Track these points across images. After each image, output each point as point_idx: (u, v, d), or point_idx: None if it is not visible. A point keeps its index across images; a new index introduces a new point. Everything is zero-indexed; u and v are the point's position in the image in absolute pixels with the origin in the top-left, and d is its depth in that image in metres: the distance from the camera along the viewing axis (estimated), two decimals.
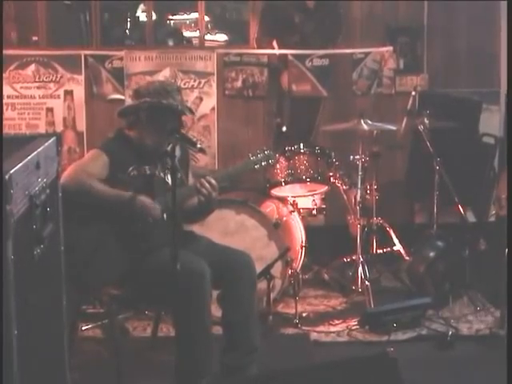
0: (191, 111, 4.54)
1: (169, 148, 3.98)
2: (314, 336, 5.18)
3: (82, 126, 6.91)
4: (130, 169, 4.21)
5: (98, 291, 4.37)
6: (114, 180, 4.16)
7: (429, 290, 5.62)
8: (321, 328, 5.30)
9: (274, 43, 6.95)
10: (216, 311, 4.36)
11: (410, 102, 6.40)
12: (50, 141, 3.11)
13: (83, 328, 5.10)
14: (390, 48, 7.02)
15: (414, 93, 6.47)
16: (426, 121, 5.84)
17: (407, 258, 6.03)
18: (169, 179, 4.10)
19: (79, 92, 6.88)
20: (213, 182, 4.21)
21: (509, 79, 5.32)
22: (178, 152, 4.06)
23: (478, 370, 4.67)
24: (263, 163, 4.44)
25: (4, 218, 2.42)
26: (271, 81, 7.00)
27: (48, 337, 3.06)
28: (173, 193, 3.78)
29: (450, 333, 5.07)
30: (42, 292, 2.94)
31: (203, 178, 4.24)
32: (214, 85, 6.97)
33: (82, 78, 6.89)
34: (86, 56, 6.87)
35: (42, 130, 6.79)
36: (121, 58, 6.90)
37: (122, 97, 6.86)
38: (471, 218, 6.68)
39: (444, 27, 7.07)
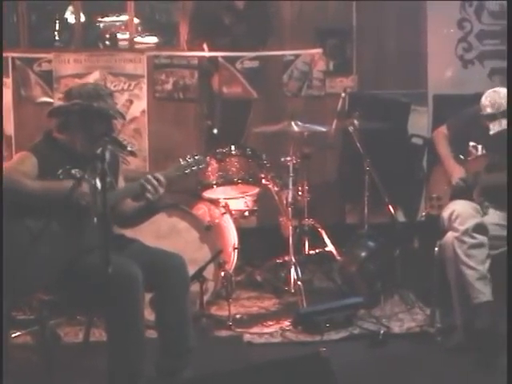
0: (122, 116, 4.50)
1: (99, 151, 3.94)
2: (247, 337, 5.18)
3: (10, 129, 6.80)
4: (59, 172, 4.15)
5: (27, 297, 4.30)
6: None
7: (360, 290, 5.67)
8: (254, 329, 5.31)
9: (205, 45, 6.94)
10: (149, 315, 4.33)
11: (340, 103, 6.44)
12: None
13: (13, 335, 5.00)
14: (320, 50, 7.07)
15: (343, 94, 6.51)
16: (356, 122, 5.90)
17: (339, 258, 6.06)
18: (98, 183, 4.05)
19: (7, 95, 6.77)
20: (161, 178, 4.18)
21: (509, 79, 5.39)
22: (107, 155, 4.02)
23: (409, 368, 4.73)
24: (194, 168, 4.42)
25: None
26: (202, 83, 6.99)
27: None
28: (103, 196, 3.74)
29: (382, 331, 5.13)
30: None
31: (149, 174, 4.20)
32: (145, 87, 6.94)
33: (9, 80, 6.79)
34: (13, 58, 6.77)
35: None
36: (49, 61, 6.83)
37: (51, 100, 6.78)
38: (401, 217, 6.78)
39: (373, 28, 7.13)
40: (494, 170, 5.12)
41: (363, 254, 5.82)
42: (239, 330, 5.29)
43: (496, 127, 5.04)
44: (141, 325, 4.07)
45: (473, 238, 4.79)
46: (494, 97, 5.10)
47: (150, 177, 4.18)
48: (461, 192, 5.18)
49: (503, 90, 5.13)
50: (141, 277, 4.02)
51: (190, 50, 6.97)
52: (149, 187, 4.15)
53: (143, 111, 6.93)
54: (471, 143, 5.29)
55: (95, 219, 4.07)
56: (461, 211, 4.92)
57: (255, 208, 6.11)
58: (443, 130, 5.56)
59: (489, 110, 5.09)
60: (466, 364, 4.67)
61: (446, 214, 5.01)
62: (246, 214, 6.07)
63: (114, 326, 4.03)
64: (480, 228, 4.83)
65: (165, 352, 4.27)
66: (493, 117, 5.06)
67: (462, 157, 5.33)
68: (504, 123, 5.02)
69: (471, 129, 5.30)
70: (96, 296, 3.90)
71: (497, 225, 5.00)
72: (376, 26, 7.14)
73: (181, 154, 4.50)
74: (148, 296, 4.28)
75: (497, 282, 4.79)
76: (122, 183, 4.48)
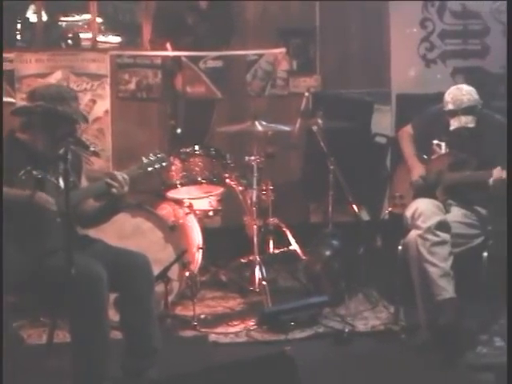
0: (86, 119, 4.49)
1: (61, 152, 3.92)
2: (212, 337, 5.18)
3: None
4: (22, 172, 4.12)
5: None
6: (5, 183, 4.06)
7: (325, 289, 5.69)
8: (219, 329, 5.31)
9: (168, 45, 6.93)
10: (114, 315, 4.31)
11: (304, 102, 6.45)
12: None
13: None
14: (284, 49, 7.08)
15: (307, 94, 6.52)
16: (320, 121, 5.91)
17: (303, 257, 6.08)
18: (61, 183, 4.03)
19: None
20: (125, 176, 4.17)
21: (509, 79, 5.42)
22: (70, 155, 3.99)
23: (374, 366, 4.75)
24: (156, 166, 4.41)
25: None
26: (165, 83, 6.98)
27: None
28: (66, 196, 3.72)
29: (347, 330, 5.16)
30: None
31: (113, 172, 4.19)
32: (108, 87, 6.91)
33: None
34: None
35: None
36: (11, 60, 6.77)
37: (13, 100, 6.72)
38: (365, 216, 6.81)
39: (336, 28, 7.16)
40: (457, 168, 5.16)
41: (327, 252, 5.83)
42: (204, 330, 5.28)
43: (456, 123, 5.09)
44: (105, 325, 4.05)
45: (435, 235, 4.83)
46: (456, 93, 5.14)
47: (115, 173, 4.17)
48: (422, 190, 5.22)
49: (466, 87, 5.18)
50: (105, 277, 4.01)
51: (153, 49, 6.96)
52: (114, 183, 4.13)
53: (106, 111, 6.91)
54: (435, 141, 5.33)
55: (58, 219, 4.05)
56: (424, 209, 4.95)
57: (219, 208, 6.10)
58: (408, 129, 5.60)
59: (450, 107, 5.13)
60: (430, 361, 4.70)
61: (409, 212, 5.05)
62: (211, 213, 6.06)
63: (78, 326, 4.01)
64: (443, 226, 4.87)
65: (130, 352, 4.26)
66: (454, 113, 5.10)
67: (425, 156, 5.37)
68: (464, 120, 5.06)
69: (435, 127, 5.35)
70: (60, 297, 3.88)
71: (459, 223, 5.05)
72: (339, 26, 7.16)
73: (144, 153, 4.49)
74: (113, 296, 4.26)
75: (460, 279, 4.83)
76: (84, 183, 4.45)
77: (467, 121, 5.06)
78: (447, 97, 5.18)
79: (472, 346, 4.86)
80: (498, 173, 4.79)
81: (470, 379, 4.53)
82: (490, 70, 7.20)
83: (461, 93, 5.13)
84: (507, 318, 4.35)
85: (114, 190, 4.14)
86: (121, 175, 4.16)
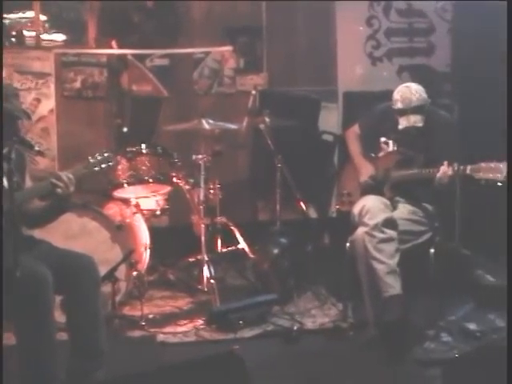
0: (28, 116, 4.44)
1: (5, 151, 3.87)
2: (160, 337, 5.16)
3: None
4: None
5: None
6: None
7: (274, 287, 5.71)
8: (167, 329, 5.29)
9: (113, 43, 6.88)
10: (60, 317, 4.27)
11: (251, 101, 6.47)
12: None
13: None
14: (230, 47, 7.08)
15: (254, 92, 6.55)
16: (267, 119, 5.92)
17: (252, 255, 6.09)
18: (6, 183, 3.98)
19: None
20: (70, 176, 4.13)
21: (509, 79, 5.47)
22: (14, 155, 3.94)
23: (323, 363, 4.77)
24: (103, 165, 4.37)
25: None
26: (111, 81, 6.94)
27: None
28: (10, 197, 3.68)
29: (296, 328, 5.18)
30: None
31: (58, 172, 4.15)
32: (53, 86, 6.85)
33: None
34: None
35: None
36: None
37: None
38: (313, 214, 6.84)
39: (283, 26, 7.18)
40: (404, 166, 5.20)
41: (276, 250, 5.85)
42: (152, 330, 5.26)
43: (405, 122, 5.13)
44: (51, 327, 4.01)
45: (382, 232, 4.87)
46: (405, 92, 5.18)
47: (60, 173, 4.13)
48: (370, 189, 5.25)
49: (415, 86, 5.22)
50: (50, 278, 3.97)
51: (98, 47, 6.91)
52: (59, 183, 4.09)
53: (51, 110, 6.84)
54: (382, 139, 5.37)
55: (3, 220, 4.00)
56: (371, 206, 4.99)
57: (167, 207, 6.08)
58: (355, 129, 5.63)
59: (399, 105, 5.17)
60: (378, 358, 4.74)
61: (356, 209, 5.08)
62: (158, 213, 6.04)
63: (23, 328, 3.96)
64: (389, 223, 4.91)
65: (76, 354, 4.22)
66: (403, 112, 5.14)
67: (372, 155, 5.41)
68: (413, 120, 5.10)
69: (382, 125, 5.39)
70: (5, 300, 3.83)
71: (406, 220, 5.09)
72: (286, 24, 7.19)
73: (90, 153, 4.45)
74: (59, 298, 4.23)
75: (407, 275, 4.88)
76: (29, 183, 4.40)
77: (416, 120, 5.11)
78: (396, 95, 5.21)
79: (419, 341, 4.91)
80: (445, 169, 4.83)
81: (418, 374, 4.58)
82: (435, 68, 7.28)
83: (410, 92, 5.17)
84: (507, 317, 4.38)
85: (59, 190, 4.10)
86: (66, 175, 4.12)
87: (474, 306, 5.57)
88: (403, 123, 5.14)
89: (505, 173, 4.52)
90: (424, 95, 5.17)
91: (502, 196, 5.98)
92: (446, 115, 5.36)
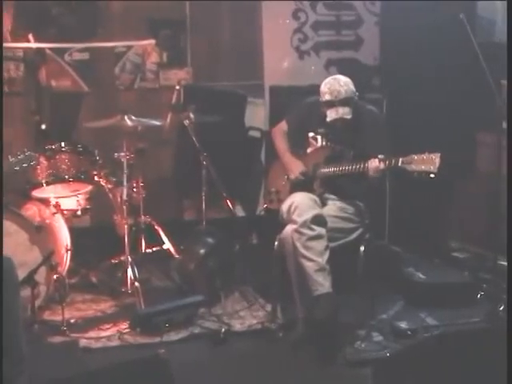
0: None
1: None
2: (83, 343, 5.12)
3: None
4: None
5: None
6: None
7: (200, 288, 5.71)
8: (90, 334, 5.25)
9: (30, 36, 6.80)
10: None
11: (175, 96, 6.47)
12: None
13: None
14: (153, 41, 7.06)
15: (178, 87, 6.54)
16: (192, 115, 5.92)
17: (177, 256, 6.09)
18: None
19: None
20: None
21: (509, 79, 5.51)
22: None
23: (252, 365, 4.80)
24: (24, 165, 4.34)
25: None
26: (28, 76, 6.85)
27: None
28: None
29: (223, 330, 5.19)
30: None
31: None
32: None
33: None
34: None
35: None
36: None
37: None
38: (240, 212, 6.86)
39: (207, 19, 7.17)
40: (333, 161, 5.25)
41: (202, 250, 5.85)
42: (74, 335, 5.21)
43: (333, 115, 5.18)
44: None
45: (311, 229, 4.90)
46: (333, 84, 5.24)
47: None
48: (300, 186, 5.29)
49: (343, 78, 5.28)
50: None
51: (14, 41, 6.81)
52: None
53: None
54: (311, 134, 5.41)
55: None
56: (299, 203, 5.02)
57: (88, 206, 6.04)
58: (282, 126, 5.67)
59: (327, 97, 5.21)
60: (309, 358, 4.78)
61: (284, 206, 5.10)
62: (79, 213, 6.00)
63: None
64: (318, 219, 4.95)
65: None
66: (331, 104, 5.19)
67: (301, 151, 5.45)
68: (341, 111, 5.16)
69: (310, 120, 5.44)
70: None
71: (336, 216, 5.14)
72: (210, 17, 7.18)
73: (8, 151, 4.41)
74: None
75: (337, 273, 4.92)
76: None
77: (344, 112, 5.16)
78: (324, 87, 5.26)
79: (350, 341, 4.97)
80: (375, 163, 4.88)
81: (349, 374, 4.63)
82: (363, 62, 7.37)
83: (338, 83, 5.22)
84: (507, 316, 4.42)
85: None
86: None
87: (404, 305, 5.66)
88: (331, 115, 5.19)
89: (437, 164, 4.59)
90: (352, 87, 5.24)
91: (432, 192, 6.13)
92: (373, 109, 5.43)
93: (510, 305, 4.41)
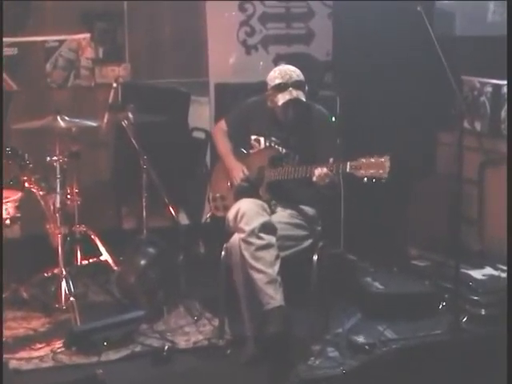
0: None
1: None
2: (13, 364, 5.04)
3: None
4: None
5: None
6: None
7: (141, 302, 5.68)
8: (21, 354, 5.17)
9: None
10: None
11: (112, 94, 6.41)
12: None
13: None
14: (88, 35, 6.99)
15: (115, 84, 6.48)
16: (131, 115, 5.90)
17: (116, 267, 6.05)
18: None
19: None
20: None
21: (509, 78, 5.47)
22: None
23: None
24: None
25: None
26: None
27: None
28: None
29: (166, 347, 5.16)
30: None
31: None
32: None
33: None
34: None
35: None
36: None
37: None
38: (184, 220, 6.83)
39: (147, 11, 7.13)
40: (278, 165, 5.23)
41: (143, 261, 5.82)
42: (4, 355, 5.11)
43: (287, 97, 5.18)
44: None
45: (260, 238, 4.87)
46: (283, 69, 5.31)
47: None
48: (245, 191, 5.26)
49: (292, 67, 5.31)
50: None
51: None
52: None
53: None
54: (253, 137, 5.40)
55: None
56: (246, 210, 4.99)
57: (18, 215, 5.92)
58: (222, 125, 5.66)
59: (279, 81, 5.22)
60: (259, 377, 4.75)
61: (231, 214, 5.08)
62: (8, 222, 5.88)
63: None
64: (267, 227, 4.92)
65: None
66: (283, 87, 5.20)
67: (244, 151, 5.43)
68: (295, 93, 5.15)
69: (252, 120, 5.44)
70: None
71: (286, 223, 5.13)
72: (150, 9, 7.15)
73: None
74: None
75: (288, 285, 4.89)
76: None
77: (298, 94, 5.16)
78: (273, 74, 5.31)
79: (304, 357, 4.95)
80: (318, 170, 4.86)
81: None
82: (315, 57, 7.37)
83: (289, 69, 5.30)
84: (507, 320, 4.41)
85: None
86: None
87: (361, 317, 5.66)
88: (285, 97, 5.18)
89: (387, 168, 4.59)
90: (303, 77, 5.25)
91: (389, 196, 6.14)
92: (322, 110, 5.45)
93: (510, 306, 4.43)
